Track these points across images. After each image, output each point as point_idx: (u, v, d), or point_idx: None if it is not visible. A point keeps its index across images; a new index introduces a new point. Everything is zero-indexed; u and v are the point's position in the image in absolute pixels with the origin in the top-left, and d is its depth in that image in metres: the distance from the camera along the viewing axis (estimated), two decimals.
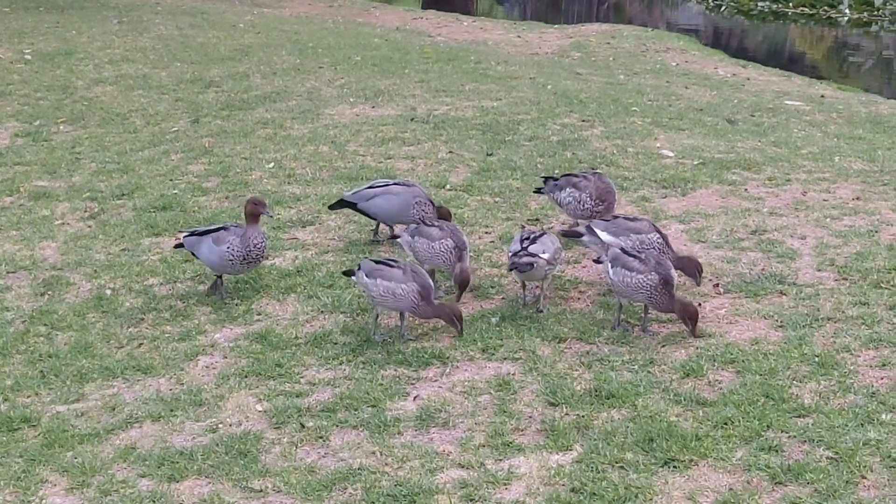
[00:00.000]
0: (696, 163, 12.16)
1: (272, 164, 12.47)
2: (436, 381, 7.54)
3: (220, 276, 9.04)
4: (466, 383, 7.46)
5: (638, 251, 8.11)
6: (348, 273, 8.50)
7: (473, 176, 11.68)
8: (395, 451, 6.72)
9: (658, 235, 8.50)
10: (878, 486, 5.96)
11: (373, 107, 15.22)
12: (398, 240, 8.91)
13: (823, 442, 6.39)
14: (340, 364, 7.86)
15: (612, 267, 7.96)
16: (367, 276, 8.05)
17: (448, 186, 11.38)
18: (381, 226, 10.01)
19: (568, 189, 9.48)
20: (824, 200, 10.73)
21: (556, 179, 9.76)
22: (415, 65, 19.23)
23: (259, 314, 8.78)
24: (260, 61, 19.20)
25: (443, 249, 8.49)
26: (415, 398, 7.33)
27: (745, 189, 11.18)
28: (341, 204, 10.02)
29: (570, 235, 9.07)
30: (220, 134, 14.03)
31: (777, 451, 6.37)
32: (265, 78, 17.70)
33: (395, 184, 9.88)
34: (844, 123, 15.55)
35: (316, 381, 7.67)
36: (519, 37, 25.80)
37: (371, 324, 8.24)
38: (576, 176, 9.64)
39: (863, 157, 12.78)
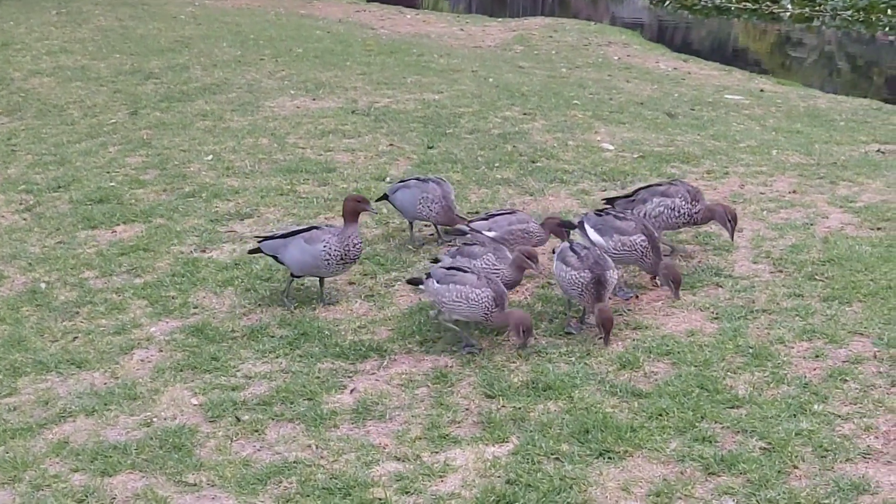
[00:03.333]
0: (635, 156, 12.21)
1: (211, 157, 12.39)
2: (373, 373, 7.52)
3: (293, 279, 8.73)
4: (404, 376, 7.44)
5: (611, 251, 8.12)
6: (415, 282, 8.20)
7: (414, 168, 11.66)
8: (331, 444, 6.69)
9: (643, 237, 8.22)
10: (810, 475, 6.00)
11: (314, 99, 15.17)
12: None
13: (756, 432, 6.43)
14: (277, 357, 7.82)
15: (556, 261, 7.96)
16: (438, 282, 7.75)
17: (388, 179, 11.35)
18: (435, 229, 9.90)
19: (656, 199, 8.95)
20: (761, 193, 10.81)
21: (628, 197, 9.23)
22: (357, 57, 19.18)
23: (196, 307, 8.72)
24: (200, 53, 19.08)
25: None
26: (352, 391, 7.30)
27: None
28: (383, 197, 9.97)
29: (564, 225, 8.76)
30: (159, 126, 13.93)
31: (711, 441, 6.40)
32: (205, 70, 17.59)
33: (415, 178, 9.75)
34: (783, 117, 15.67)
35: (252, 374, 7.62)
36: (462, 30, 25.80)
37: (450, 329, 7.93)
38: (659, 185, 9.18)
39: (800, 150, 12.89)
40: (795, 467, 6.09)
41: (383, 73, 17.36)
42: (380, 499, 6.10)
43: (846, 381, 6.95)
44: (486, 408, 6.94)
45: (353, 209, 8.53)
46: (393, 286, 8.85)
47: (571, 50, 23.12)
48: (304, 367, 7.64)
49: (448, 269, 7.77)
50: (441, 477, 6.28)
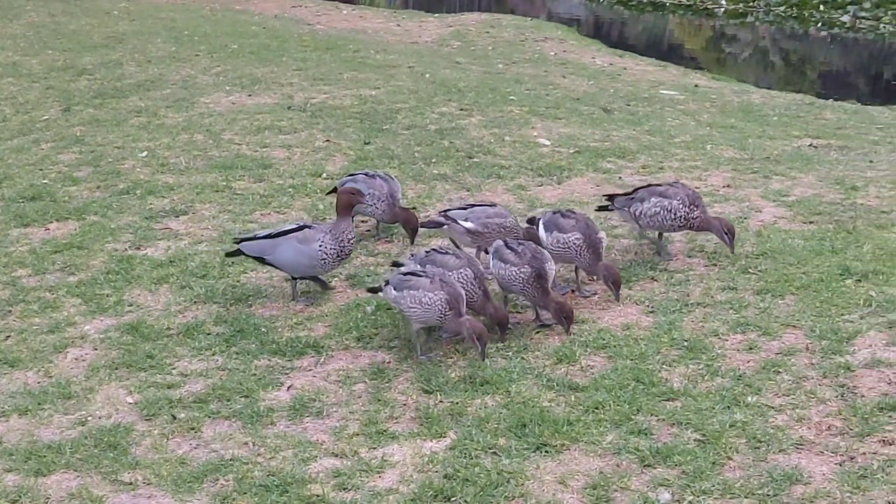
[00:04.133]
0: (571, 151, 12.27)
1: (145, 153, 12.29)
2: (310, 370, 7.50)
3: (296, 281, 8.59)
4: (341, 372, 7.43)
5: (549, 247, 8.12)
6: (374, 290, 8.06)
7: (350, 165, 11.64)
8: (268, 441, 6.66)
9: (578, 236, 8.13)
10: (744, 466, 6.06)
11: (249, 95, 15.10)
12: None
13: (691, 424, 6.48)
14: (213, 354, 7.77)
15: (492, 259, 7.96)
16: (395, 289, 7.61)
17: (325, 175, 11.33)
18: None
19: (654, 199, 8.80)
20: (696, 188, 10.86)
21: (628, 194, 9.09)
22: (293, 53, 19.12)
23: (130, 305, 8.64)
24: (134, 49, 18.92)
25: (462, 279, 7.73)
26: (289, 388, 7.27)
27: (620, 177, 11.32)
28: (334, 191, 9.81)
29: (530, 224, 8.71)
30: (92, 123, 13.79)
31: (646, 434, 6.44)
32: (139, 66, 17.45)
33: (362, 173, 9.68)
34: (717, 112, 15.82)
35: (188, 372, 7.56)
36: (398, 25, 25.78)
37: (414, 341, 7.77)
38: (659, 185, 9.03)
39: (734, 145, 13.02)
40: (730, 458, 6.15)
41: (319, 69, 17.30)
42: (317, 495, 6.08)
43: (779, 372, 7.03)
44: (424, 403, 6.95)
45: (348, 202, 8.38)
46: (329, 282, 8.82)
47: (508, 46, 23.16)
48: (240, 364, 7.60)
49: (405, 275, 7.64)
50: (379, 473, 6.27)
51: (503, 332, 7.69)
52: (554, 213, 8.49)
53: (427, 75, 17.18)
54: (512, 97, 15.48)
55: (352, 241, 8.38)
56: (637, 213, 8.84)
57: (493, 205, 8.95)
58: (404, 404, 6.98)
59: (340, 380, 7.33)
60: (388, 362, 7.52)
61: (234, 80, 16.16)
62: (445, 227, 8.80)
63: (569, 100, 15.74)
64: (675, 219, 8.70)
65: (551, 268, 7.83)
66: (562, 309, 7.71)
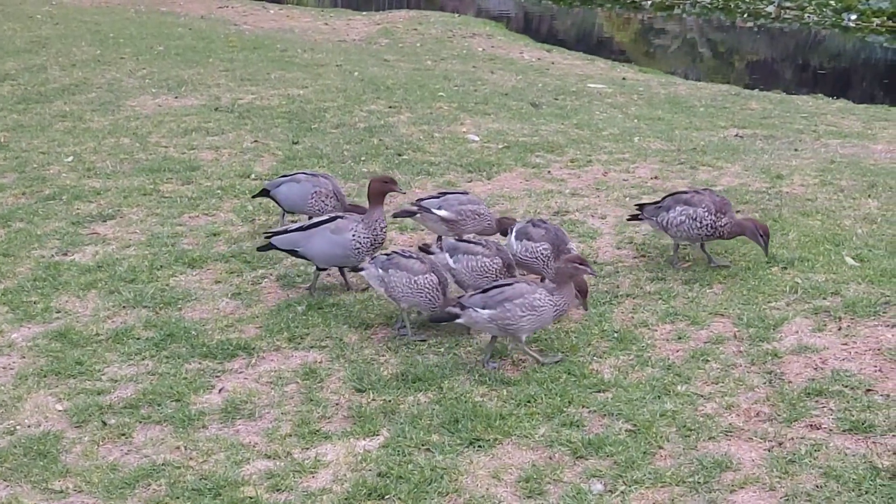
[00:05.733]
0: (500, 146, 12.31)
1: (71, 158, 12.16)
2: (241, 372, 7.45)
3: (319, 272, 8.48)
4: (273, 373, 7.39)
5: (518, 256, 8.05)
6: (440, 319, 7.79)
7: (279, 164, 11.60)
8: (200, 444, 6.61)
9: (546, 246, 8.01)
10: (674, 455, 6.11)
11: (176, 97, 14.98)
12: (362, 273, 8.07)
13: (622, 415, 6.53)
14: (143, 359, 7.70)
15: (450, 256, 7.92)
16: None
17: (253, 176, 11.27)
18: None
19: (679, 207, 8.51)
20: (624, 180, 10.98)
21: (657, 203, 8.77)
22: (219, 54, 19.00)
23: (58, 312, 8.54)
24: (58, 53, 18.70)
25: (428, 285, 7.66)
26: (220, 391, 7.23)
27: (549, 171, 11.36)
28: (262, 193, 9.76)
29: (502, 229, 8.60)
30: (16, 128, 13.62)
31: (578, 425, 6.47)
32: (64, 70, 17.25)
33: (302, 173, 9.60)
34: (644, 105, 15.93)
35: (118, 377, 7.49)
36: (326, 24, 25.71)
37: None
38: (684, 192, 8.69)
39: (661, 137, 13.12)
40: (660, 447, 6.20)
41: (247, 70, 17.21)
42: (250, 497, 6.05)
43: (708, 361, 7.10)
44: (357, 402, 6.93)
45: (380, 190, 8.26)
46: (260, 283, 8.79)
47: (436, 42, 23.19)
48: (171, 368, 7.54)
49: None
50: (312, 473, 6.25)
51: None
52: (527, 221, 8.36)
53: (355, 73, 17.14)
54: (441, 93, 15.49)
55: (384, 230, 8.30)
56: (664, 222, 8.54)
57: (465, 192, 8.94)
58: (337, 404, 6.96)
59: (272, 381, 7.30)
60: (320, 362, 7.49)
61: (160, 82, 16.03)
62: (418, 215, 8.76)
63: (497, 95, 15.78)
64: (701, 227, 8.36)
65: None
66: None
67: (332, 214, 8.49)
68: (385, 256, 7.82)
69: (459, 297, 7.49)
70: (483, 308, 7.17)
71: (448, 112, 14.09)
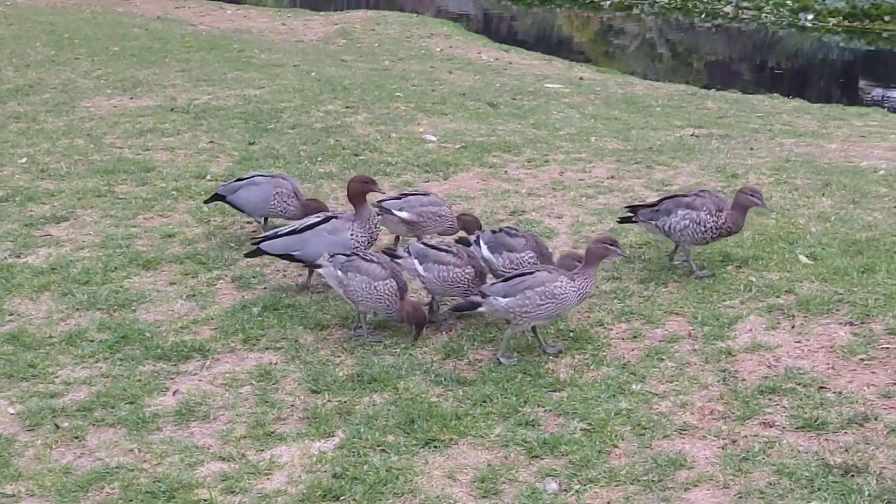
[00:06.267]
0: (458, 146, 12.31)
1: (25, 159, 12.06)
2: (196, 374, 7.41)
3: (313, 270, 8.36)
4: (227, 375, 7.36)
5: (499, 269, 7.92)
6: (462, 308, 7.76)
7: (235, 165, 11.55)
8: (154, 447, 6.57)
9: (532, 255, 7.91)
10: (629, 453, 6.13)
11: (131, 98, 14.89)
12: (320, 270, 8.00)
13: (577, 414, 6.54)
14: (97, 362, 7.64)
15: (424, 263, 7.83)
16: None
17: (209, 177, 11.22)
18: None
19: (681, 211, 8.31)
20: (580, 180, 11.00)
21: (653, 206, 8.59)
22: (176, 54, 18.91)
23: (11, 314, 8.45)
24: (12, 53, 18.55)
25: (388, 291, 7.62)
26: (174, 393, 7.18)
27: (506, 171, 11.37)
28: (215, 198, 9.67)
29: (462, 242, 8.31)
30: None
31: (534, 425, 6.48)
32: (17, 70, 17.12)
33: (259, 175, 9.52)
34: (601, 105, 15.97)
35: (71, 380, 7.43)
36: (284, 24, 25.64)
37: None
38: (685, 196, 8.49)
39: (618, 136, 13.16)
40: (615, 446, 6.22)
41: (203, 70, 17.14)
42: (204, 499, 6.02)
43: (663, 360, 7.13)
44: (312, 403, 6.91)
45: (361, 190, 8.28)
46: (215, 284, 8.74)
47: (394, 42, 23.16)
48: (124, 370, 7.48)
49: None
50: (267, 475, 6.23)
51: (420, 330, 7.60)
52: (495, 232, 8.18)
53: (313, 74, 17.10)
54: (398, 94, 15.48)
55: (378, 226, 8.35)
56: (666, 227, 8.36)
57: (426, 193, 8.91)
58: (292, 405, 6.94)
59: (227, 383, 7.26)
60: (276, 363, 7.47)
61: (115, 82, 15.93)
62: (379, 217, 8.71)
63: (455, 95, 15.78)
64: (705, 231, 8.20)
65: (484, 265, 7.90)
66: (414, 315, 7.66)
67: (326, 215, 8.47)
68: (345, 257, 7.78)
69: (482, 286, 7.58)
70: (504, 297, 7.20)
71: (405, 112, 14.08)
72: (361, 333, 7.76)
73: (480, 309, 7.36)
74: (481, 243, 8.07)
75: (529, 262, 7.83)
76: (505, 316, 7.27)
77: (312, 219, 8.48)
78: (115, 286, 8.74)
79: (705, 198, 8.31)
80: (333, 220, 8.31)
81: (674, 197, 8.52)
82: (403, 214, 8.65)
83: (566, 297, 7.15)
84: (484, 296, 7.30)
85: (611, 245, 7.29)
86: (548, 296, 7.11)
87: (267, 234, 8.65)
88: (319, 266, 7.88)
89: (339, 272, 7.69)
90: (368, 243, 8.28)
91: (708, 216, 8.18)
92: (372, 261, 7.68)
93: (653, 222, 8.45)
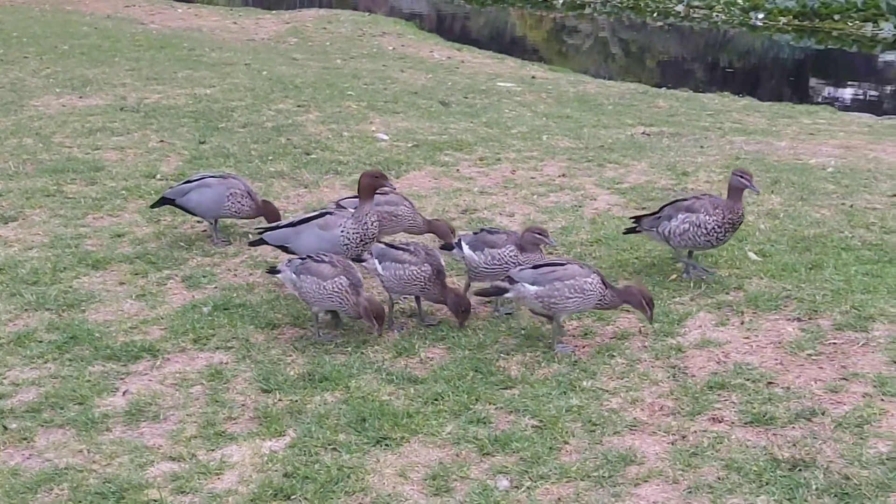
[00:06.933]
0: (409, 145, 12.31)
1: None
2: (146, 374, 7.35)
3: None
4: (178, 375, 7.31)
5: (481, 266, 7.86)
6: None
7: (185, 164, 11.49)
8: (103, 448, 6.51)
9: (512, 249, 7.80)
10: (580, 450, 6.15)
11: (80, 97, 14.78)
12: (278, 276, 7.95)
13: (529, 411, 6.55)
14: (46, 362, 7.56)
15: (383, 262, 7.83)
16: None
17: (159, 176, 11.15)
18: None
19: (681, 215, 8.20)
20: (532, 178, 11.03)
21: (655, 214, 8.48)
22: (126, 53, 18.78)
23: None
24: None
25: (337, 289, 7.53)
26: (124, 393, 7.12)
27: (457, 170, 11.38)
28: (162, 202, 9.56)
29: (445, 248, 8.26)
30: None
31: (485, 422, 6.48)
32: None
33: (210, 176, 9.43)
34: (553, 103, 16.03)
35: (20, 381, 7.34)
36: (235, 23, 25.53)
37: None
38: (685, 200, 8.36)
39: (569, 135, 13.20)
40: (566, 443, 6.23)
41: (153, 69, 17.03)
42: (154, 500, 5.97)
43: (613, 356, 7.16)
44: (263, 402, 6.88)
45: (370, 185, 8.11)
46: (165, 284, 8.69)
47: (346, 41, 23.13)
48: (74, 371, 7.41)
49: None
50: (217, 474, 6.19)
51: (380, 324, 7.52)
52: (476, 233, 8.11)
53: (264, 72, 17.05)
54: (350, 92, 15.45)
55: (375, 225, 8.16)
56: (666, 232, 8.25)
57: (385, 193, 8.87)
58: (243, 404, 6.90)
59: (177, 382, 7.21)
60: (226, 363, 7.43)
61: (64, 81, 15.81)
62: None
63: (407, 94, 15.78)
64: (708, 232, 8.06)
65: (444, 263, 7.84)
66: (460, 302, 7.67)
67: (322, 210, 8.42)
68: (300, 261, 7.75)
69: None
70: (532, 284, 7.24)
71: (357, 111, 14.06)
72: (328, 336, 7.70)
73: (507, 294, 7.42)
74: (463, 245, 8.03)
75: (511, 257, 7.80)
76: (533, 304, 7.32)
77: (311, 212, 8.45)
78: (64, 286, 8.67)
79: (703, 200, 8.18)
80: (328, 215, 8.22)
81: (674, 202, 8.38)
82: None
83: (592, 295, 7.21)
84: (512, 282, 7.36)
85: (539, 234, 7.47)
86: (577, 289, 7.18)
87: (270, 224, 8.64)
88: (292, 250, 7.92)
89: (294, 275, 7.66)
90: (360, 241, 8.12)
91: (706, 217, 8.04)
92: (322, 261, 7.65)
93: (655, 230, 8.34)
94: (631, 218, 8.87)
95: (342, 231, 8.08)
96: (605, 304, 7.32)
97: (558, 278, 7.21)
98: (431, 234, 8.87)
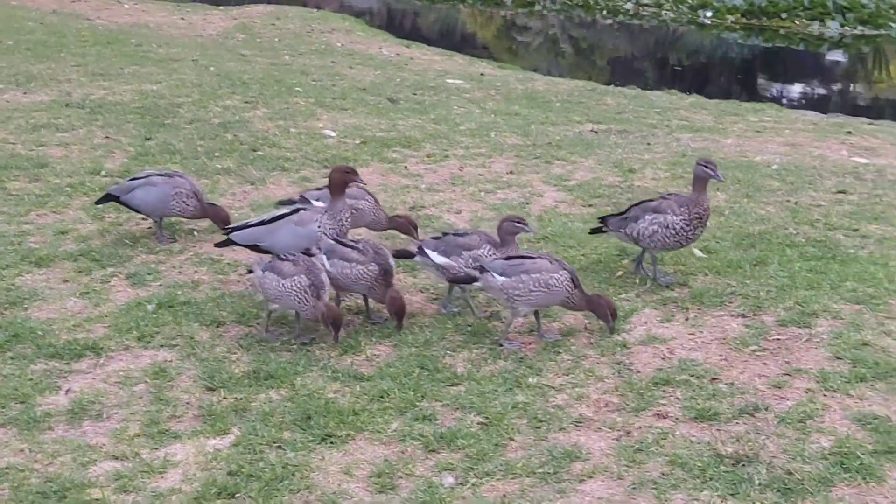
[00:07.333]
0: (357, 142, 12.28)
1: None
2: (89, 372, 7.28)
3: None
4: (121, 373, 7.24)
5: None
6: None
7: (131, 161, 11.39)
8: (45, 447, 6.44)
9: (489, 248, 7.79)
10: (525, 446, 6.16)
11: (25, 93, 14.62)
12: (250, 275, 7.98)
13: (474, 408, 6.55)
14: None
15: (332, 259, 7.77)
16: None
17: (103, 173, 11.05)
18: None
19: (648, 216, 8.11)
20: (480, 175, 11.03)
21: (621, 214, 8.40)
22: (71, 48, 18.62)
23: None
24: None
25: (296, 287, 7.42)
26: (67, 391, 7.05)
27: (405, 166, 11.37)
28: (107, 198, 9.44)
29: (401, 256, 8.16)
30: None
31: (431, 419, 6.48)
32: None
33: (156, 174, 9.32)
34: (502, 100, 16.05)
35: None
36: (183, 19, 25.37)
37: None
38: (651, 200, 8.30)
39: (517, 132, 13.22)
40: (512, 439, 6.24)
41: (99, 65, 16.88)
42: (97, 499, 5.92)
43: (559, 353, 7.17)
44: (207, 400, 6.83)
45: (342, 181, 8.04)
46: (109, 282, 8.61)
47: (294, 37, 23.04)
48: (15, 369, 7.32)
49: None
50: (161, 473, 6.14)
51: (336, 332, 7.45)
52: (438, 237, 8.02)
53: (211, 69, 16.94)
54: (298, 89, 15.39)
55: (349, 220, 8.12)
56: (635, 234, 8.16)
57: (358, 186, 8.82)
58: (187, 402, 6.85)
59: (121, 381, 7.15)
60: (171, 361, 7.37)
61: (8, 77, 15.62)
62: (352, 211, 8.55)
63: (355, 90, 15.74)
64: (676, 232, 7.98)
65: (393, 262, 7.78)
66: (394, 303, 7.63)
67: (295, 207, 8.33)
68: (269, 261, 7.71)
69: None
70: (501, 275, 7.27)
71: (305, 107, 14.01)
72: (300, 336, 7.64)
73: (476, 284, 7.45)
74: (428, 252, 7.92)
75: (489, 257, 7.74)
76: (498, 295, 7.35)
77: (283, 209, 8.38)
78: (6, 284, 8.56)
79: (669, 199, 8.11)
80: (302, 211, 8.16)
81: (641, 203, 8.31)
82: (319, 205, 8.56)
83: (557, 292, 7.22)
84: (483, 270, 7.38)
85: (518, 223, 7.60)
86: (541, 283, 7.19)
87: (238, 224, 8.55)
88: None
89: (261, 273, 7.61)
90: (337, 237, 8.08)
91: (673, 217, 7.95)
92: (286, 259, 7.61)
93: (622, 230, 8.26)
94: (599, 218, 8.77)
95: (319, 227, 8.04)
96: (570, 304, 7.33)
97: (525, 271, 7.24)
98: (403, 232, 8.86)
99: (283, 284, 7.39)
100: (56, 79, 15.55)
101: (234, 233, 8.34)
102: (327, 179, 8.30)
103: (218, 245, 8.68)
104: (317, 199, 8.63)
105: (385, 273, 7.67)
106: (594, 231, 8.70)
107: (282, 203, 9.04)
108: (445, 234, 8.08)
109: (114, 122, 12.90)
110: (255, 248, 8.29)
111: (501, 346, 7.33)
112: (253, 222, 8.34)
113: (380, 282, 7.65)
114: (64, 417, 6.76)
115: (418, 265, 8.26)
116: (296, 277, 7.41)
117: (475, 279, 7.44)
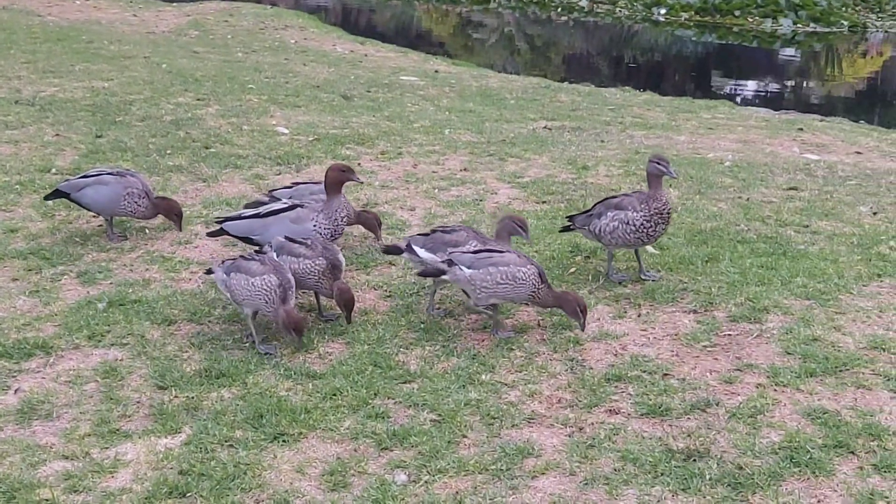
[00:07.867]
0: (310, 139, 12.23)
1: None
2: (39, 371, 7.22)
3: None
4: (71, 372, 7.18)
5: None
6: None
7: (81, 158, 11.29)
8: None
9: (476, 244, 7.69)
10: (478, 443, 6.16)
11: None
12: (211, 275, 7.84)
13: (427, 405, 6.54)
14: None
15: (282, 255, 7.73)
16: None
17: (54, 170, 10.95)
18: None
19: (610, 213, 8.04)
20: (434, 172, 11.02)
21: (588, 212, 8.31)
22: (21, 45, 18.45)
23: None
24: None
25: (265, 287, 7.30)
26: (16, 391, 6.98)
27: (359, 163, 11.34)
28: (57, 194, 9.33)
29: (390, 252, 8.17)
30: None
31: (383, 417, 6.46)
32: None
33: (107, 173, 9.22)
34: (456, 97, 16.04)
35: None
36: (135, 16, 25.20)
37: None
38: (614, 197, 8.22)
39: (471, 129, 13.22)
40: (464, 436, 6.23)
41: (50, 62, 16.74)
42: (46, 499, 5.87)
43: (512, 350, 7.17)
44: (158, 399, 6.79)
45: (338, 179, 8.07)
46: (59, 280, 8.53)
47: (248, 34, 22.94)
48: None
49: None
50: (111, 473, 6.09)
51: (300, 336, 7.35)
52: (432, 232, 7.96)
53: (163, 65, 16.84)
54: (251, 86, 15.33)
55: (344, 220, 8.13)
56: (597, 230, 8.09)
57: (318, 182, 8.76)
58: (138, 402, 6.80)
59: (71, 380, 7.09)
60: (121, 360, 7.31)
61: None
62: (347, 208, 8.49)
63: (308, 87, 15.69)
64: (637, 230, 7.91)
65: (342, 258, 7.74)
66: (342, 296, 7.58)
67: (292, 203, 8.32)
68: (231, 260, 7.65)
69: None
70: (468, 267, 7.27)
71: (258, 104, 13.95)
72: (265, 349, 7.48)
73: (444, 277, 7.45)
74: (416, 249, 7.86)
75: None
76: (465, 286, 7.36)
77: (279, 204, 8.35)
78: None
79: (631, 196, 8.04)
80: (298, 208, 8.16)
81: (605, 200, 8.24)
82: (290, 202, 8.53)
83: (523, 287, 7.21)
84: (451, 263, 7.39)
85: (519, 225, 7.70)
86: (508, 277, 7.20)
87: (231, 214, 8.50)
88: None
89: (224, 275, 7.54)
90: (331, 236, 8.11)
91: (633, 213, 7.89)
92: (253, 259, 7.54)
93: (587, 228, 8.22)
94: (567, 217, 8.71)
95: (315, 225, 8.06)
96: (538, 300, 7.32)
97: (493, 264, 7.25)
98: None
99: (252, 284, 7.32)
100: (5, 75, 15.40)
101: (228, 223, 8.34)
102: (323, 177, 8.31)
103: (210, 235, 8.71)
104: (289, 198, 8.60)
105: (333, 268, 7.64)
106: (564, 229, 8.65)
107: (249, 206, 8.99)
108: (434, 230, 8.05)
109: (64, 120, 12.79)
110: (246, 240, 8.29)
111: (496, 335, 7.37)
112: (247, 214, 8.32)
113: (328, 276, 7.63)
114: (13, 417, 6.70)
115: (406, 261, 8.24)
116: (265, 276, 7.35)
117: (443, 272, 7.44)
